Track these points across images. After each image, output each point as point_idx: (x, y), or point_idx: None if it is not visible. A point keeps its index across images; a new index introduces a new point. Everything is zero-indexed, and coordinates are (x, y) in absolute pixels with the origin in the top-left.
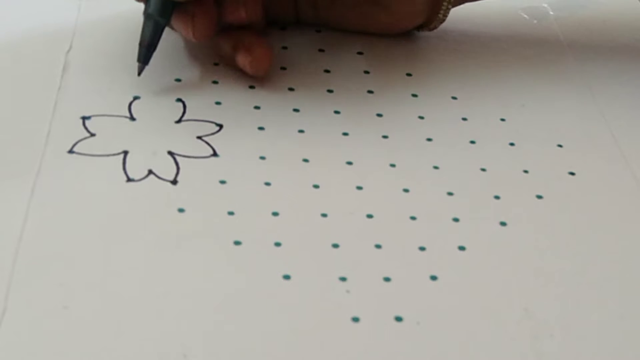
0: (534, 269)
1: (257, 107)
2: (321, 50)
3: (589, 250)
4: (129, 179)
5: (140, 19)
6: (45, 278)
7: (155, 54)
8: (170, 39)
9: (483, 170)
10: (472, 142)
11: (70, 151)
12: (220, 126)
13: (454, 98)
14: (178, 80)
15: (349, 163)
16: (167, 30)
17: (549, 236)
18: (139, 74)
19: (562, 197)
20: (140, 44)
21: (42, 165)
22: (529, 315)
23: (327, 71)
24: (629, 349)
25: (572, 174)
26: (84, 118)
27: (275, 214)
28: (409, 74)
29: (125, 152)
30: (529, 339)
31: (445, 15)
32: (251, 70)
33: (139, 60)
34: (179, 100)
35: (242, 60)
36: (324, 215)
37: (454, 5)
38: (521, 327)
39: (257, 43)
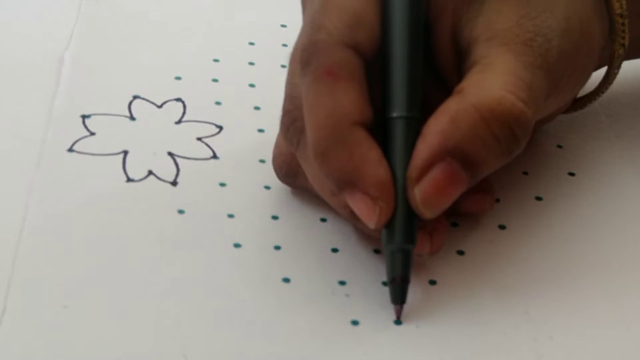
0: (533, 272)
1: (257, 108)
2: None
3: (589, 252)
4: (129, 179)
5: (138, 20)
6: (45, 278)
7: (154, 52)
8: (168, 38)
9: None
10: None
11: (70, 150)
12: (220, 128)
13: None
14: (178, 78)
15: None
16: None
17: (549, 238)
18: (399, 318)
19: (562, 198)
20: (393, 282)
21: (41, 164)
22: (528, 318)
23: None
24: (629, 351)
25: (572, 174)
26: (83, 116)
27: (275, 217)
28: None
29: (125, 152)
30: (529, 342)
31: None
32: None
33: (396, 301)
34: (179, 99)
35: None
36: (323, 219)
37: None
38: (521, 330)
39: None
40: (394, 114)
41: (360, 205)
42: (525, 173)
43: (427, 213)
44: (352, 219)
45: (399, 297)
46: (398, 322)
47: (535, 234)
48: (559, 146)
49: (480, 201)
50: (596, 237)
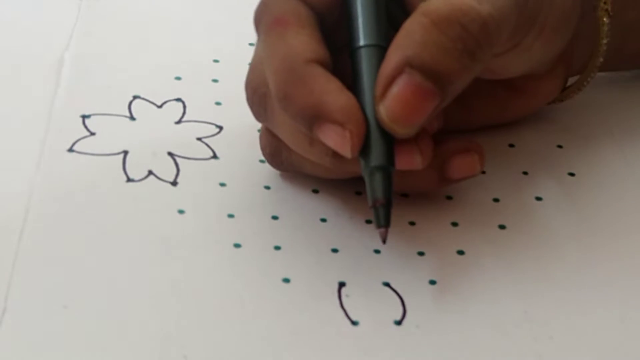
0: (533, 271)
1: None
2: None
3: (589, 252)
4: (129, 179)
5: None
6: (45, 278)
7: (154, 52)
8: (168, 38)
9: (482, 172)
10: None
11: (70, 150)
12: (220, 128)
13: None
14: (178, 78)
15: None
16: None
17: (549, 238)
18: (385, 241)
19: (562, 198)
20: (375, 205)
21: (41, 164)
22: (528, 318)
23: None
24: (629, 351)
25: (572, 174)
26: (83, 117)
27: (275, 217)
28: None
29: (125, 152)
30: (529, 341)
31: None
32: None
33: (380, 224)
34: (179, 100)
35: (472, 162)
36: (323, 219)
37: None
38: (521, 330)
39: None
40: (360, 43)
41: (331, 136)
42: (525, 173)
43: (398, 129)
44: (336, 162)
45: (382, 220)
46: (398, 322)
47: (535, 234)
48: (559, 146)
49: (468, 163)
50: (596, 237)
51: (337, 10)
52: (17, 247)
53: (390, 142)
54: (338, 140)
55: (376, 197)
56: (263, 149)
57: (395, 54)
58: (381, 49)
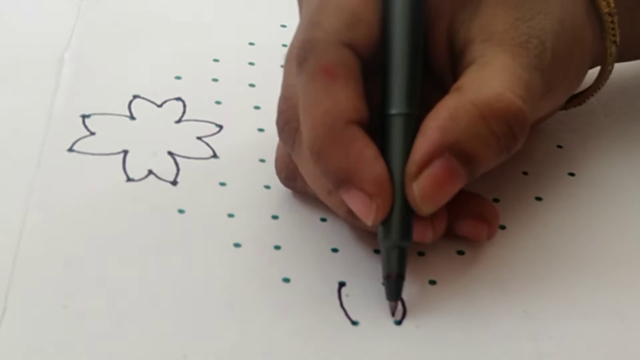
0: (533, 271)
1: (257, 108)
2: None
3: (589, 252)
4: (129, 179)
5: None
6: (45, 278)
7: (154, 52)
8: (168, 38)
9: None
10: None
11: (70, 149)
12: (220, 127)
13: None
14: (178, 78)
15: None
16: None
17: (549, 238)
18: (394, 313)
19: (562, 198)
20: (388, 278)
21: (41, 164)
22: (528, 317)
23: None
24: (628, 351)
25: (572, 174)
26: (83, 116)
27: (275, 217)
28: None
29: (125, 152)
30: (529, 342)
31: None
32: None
33: (391, 297)
34: (179, 99)
35: (481, 231)
36: (323, 219)
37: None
38: (520, 329)
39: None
40: (393, 111)
41: (357, 203)
42: (525, 173)
43: (425, 208)
44: (349, 217)
45: (393, 294)
46: (398, 322)
47: (535, 234)
48: (559, 146)
49: (476, 228)
50: (596, 237)
51: (381, 57)
52: (17, 247)
53: (411, 217)
54: (362, 208)
55: (391, 271)
56: (278, 172)
57: (435, 135)
58: (414, 118)
